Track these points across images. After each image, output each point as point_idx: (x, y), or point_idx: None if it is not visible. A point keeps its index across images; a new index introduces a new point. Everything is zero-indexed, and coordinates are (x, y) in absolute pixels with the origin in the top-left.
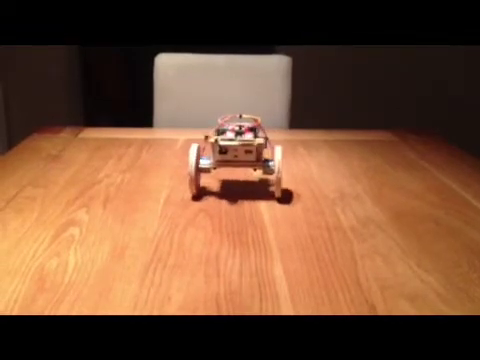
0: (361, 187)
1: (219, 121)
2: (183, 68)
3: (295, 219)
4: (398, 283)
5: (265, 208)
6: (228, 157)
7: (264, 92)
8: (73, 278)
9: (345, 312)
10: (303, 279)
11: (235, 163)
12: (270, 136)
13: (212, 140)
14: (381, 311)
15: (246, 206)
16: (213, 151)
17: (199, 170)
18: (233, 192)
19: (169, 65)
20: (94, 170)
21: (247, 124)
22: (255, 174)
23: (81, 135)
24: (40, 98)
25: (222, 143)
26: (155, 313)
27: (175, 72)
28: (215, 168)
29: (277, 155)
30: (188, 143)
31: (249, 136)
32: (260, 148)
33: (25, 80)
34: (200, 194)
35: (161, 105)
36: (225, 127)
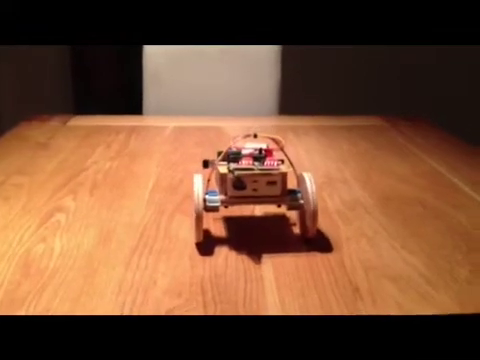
0: (349, 172)
1: (233, 143)
2: (173, 55)
3: None
4: (383, 264)
5: None
6: (246, 192)
7: (254, 78)
8: (59, 263)
9: (329, 293)
10: (288, 262)
11: (254, 199)
12: (260, 123)
13: (224, 170)
14: (364, 292)
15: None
16: (222, 183)
17: (205, 209)
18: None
19: (158, 52)
20: (82, 157)
21: (263, 146)
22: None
23: (70, 123)
24: (30, 88)
25: (237, 173)
26: (140, 296)
27: (164, 59)
28: (226, 206)
29: (308, 184)
30: (177, 130)
31: (271, 162)
32: (285, 178)
33: (15, 70)
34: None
35: (150, 92)
36: (238, 151)
